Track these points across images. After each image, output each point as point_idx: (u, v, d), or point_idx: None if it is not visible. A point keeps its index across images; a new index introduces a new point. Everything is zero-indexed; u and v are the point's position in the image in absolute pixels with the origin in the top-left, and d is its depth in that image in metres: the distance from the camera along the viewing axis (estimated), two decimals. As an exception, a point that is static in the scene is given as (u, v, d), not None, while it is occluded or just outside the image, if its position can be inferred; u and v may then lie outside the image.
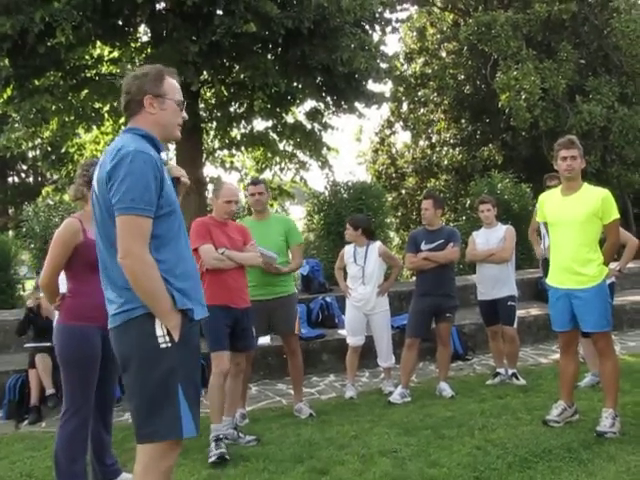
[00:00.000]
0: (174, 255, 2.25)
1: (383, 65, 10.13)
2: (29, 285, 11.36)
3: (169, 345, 2.17)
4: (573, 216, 3.86)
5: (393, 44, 70.07)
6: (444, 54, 17.99)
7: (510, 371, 5.45)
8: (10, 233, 16.55)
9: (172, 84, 2.36)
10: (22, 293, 10.61)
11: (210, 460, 3.78)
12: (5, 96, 9.26)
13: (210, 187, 10.71)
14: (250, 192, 4.80)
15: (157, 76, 2.32)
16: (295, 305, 4.96)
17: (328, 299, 7.39)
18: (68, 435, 3.21)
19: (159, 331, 2.17)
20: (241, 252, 4.17)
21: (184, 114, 2.41)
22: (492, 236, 5.47)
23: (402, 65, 17.58)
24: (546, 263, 5.38)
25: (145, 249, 2.14)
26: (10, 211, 23.90)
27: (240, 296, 4.18)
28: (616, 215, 3.89)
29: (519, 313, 5.78)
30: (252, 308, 4.31)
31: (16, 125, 10.18)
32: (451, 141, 18.48)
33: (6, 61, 8.56)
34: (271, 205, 13.53)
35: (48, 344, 5.39)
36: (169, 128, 2.36)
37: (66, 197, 10.62)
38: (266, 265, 4.47)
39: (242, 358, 4.29)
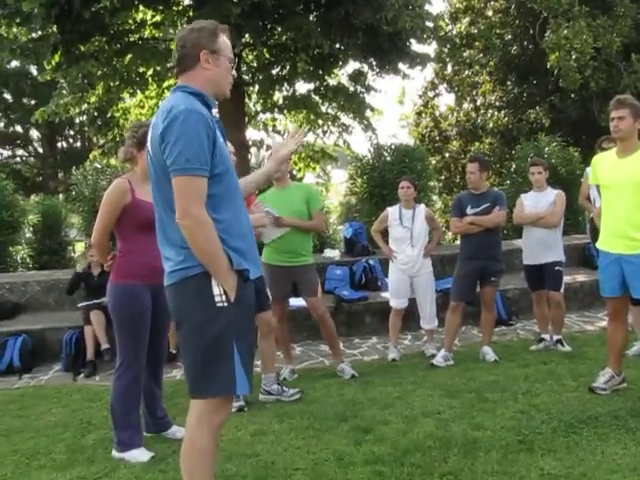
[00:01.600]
0: (231, 214, 2.26)
1: (428, 24, 9.85)
2: (79, 247, 11.74)
3: (225, 305, 2.19)
4: (629, 178, 3.73)
5: (438, 3, 68.11)
6: (490, 13, 17.32)
7: (555, 337, 5.39)
8: (60, 197, 17.07)
9: (225, 41, 2.34)
10: (73, 255, 10.98)
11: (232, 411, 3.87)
12: (53, 62, 9.41)
13: (253, 150, 10.72)
14: None
15: (213, 31, 2.30)
16: (315, 273, 5.00)
17: (371, 262, 7.41)
18: (122, 388, 3.36)
19: (216, 290, 2.19)
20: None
21: (234, 72, 2.40)
22: (541, 200, 5.35)
23: (447, 25, 16.98)
24: (594, 229, 5.25)
25: (203, 209, 2.14)
26: (60, 175, 24.56)
27: None
28: (675, 179, 3.74)
29: (565, 279, 5.67)
30: (270, 271, 4.45)
31: (64, 91, 10.36)
32: (496, 103, 17.95)
33: (54, 28, 8.68)
34: (313, 168, 13.51)
35: (99, 301, 5.62)
36: (221, 86, 2.34)
37: (113, 161, 10.83)
38: (276, 222, 4.48)
39: (268, 318, 4.35)
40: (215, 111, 2.35)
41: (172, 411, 3.93)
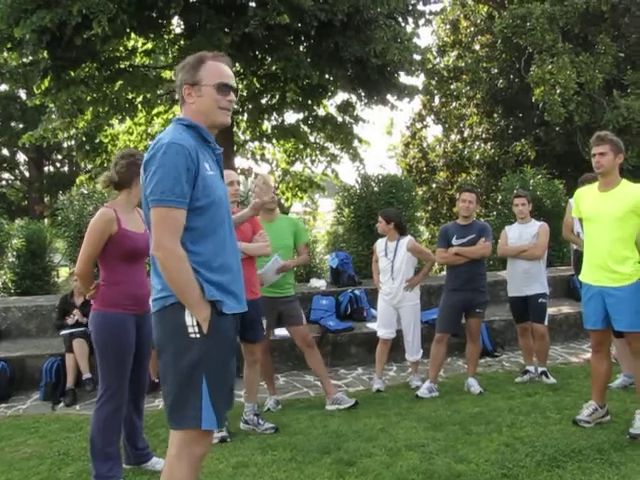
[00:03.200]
0: (213, 247, 2.24)
1: (416, 57, 10.04)
2: (63, 272, 11.61)
3: (198, 336, 2.17)
4: (610, 211, 3.80)
5: (426, 37, 69.49)
6: (478, 47, 17.71)
7: (540, 369, 5.39)
8: (46, 221, 16.95)
9: (213, 68, 2.30)
10: (56, 280, 10.85)
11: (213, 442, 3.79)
12: (43, 87, 9.47)
13: (241, 179, 10.77)
14: None
15: (194, 64, 2.30)
16: (299, 303, 5.04)
17: (357, 292, 7.39)
18: (103, 419, 3.29)
19: (189, 321, 2.17)
20: (250, 242, 4.19)
21: (231, 96, 2.33)
22: (525, 232, 5.40)
23: (435, 58, 17.38)
24: (578, 260, 5.30)
25: (176, 241, 2.14)
26: (46, 200, 24.41)
27: (249, 288, 4.17)
28: (656, 214, 3.80)
29: (550, 310, 5.70)
30: (262, 302, 4.36)
31: (53, 116, 10.41)
32: (483, 135, 18.22)
33: (45, 53, 8.74)
34: (301, 197, 13.60)
35: (83, 329, 5.55)
36: (210, 114, 2.31)
37: (99, 186, 10.80)
38: (283, 269, 4.62)
39: (256, 348, 4.31)
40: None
41: (153, 442, 3.87)
